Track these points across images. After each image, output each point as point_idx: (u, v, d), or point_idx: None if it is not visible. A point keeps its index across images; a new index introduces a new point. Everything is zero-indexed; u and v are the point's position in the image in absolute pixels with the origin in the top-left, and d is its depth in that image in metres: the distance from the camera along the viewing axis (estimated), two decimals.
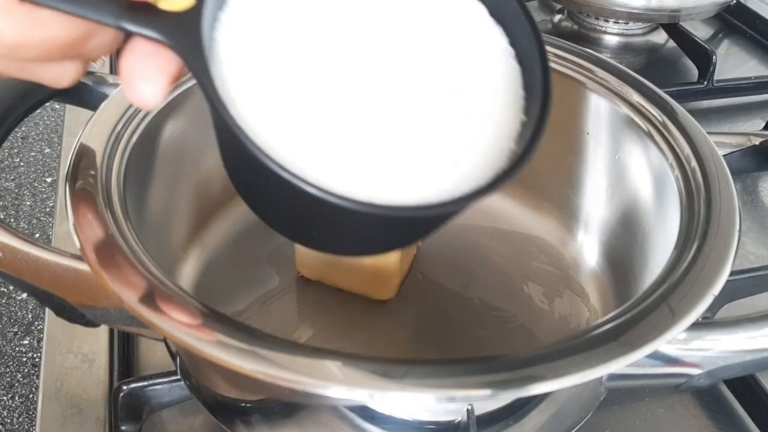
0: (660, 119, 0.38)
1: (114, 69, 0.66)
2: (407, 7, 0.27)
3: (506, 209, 0.46)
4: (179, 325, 0.26)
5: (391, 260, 0.38)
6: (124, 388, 0.35)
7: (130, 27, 0.23)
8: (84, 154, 0.34)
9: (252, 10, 0.25)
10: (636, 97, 0.40)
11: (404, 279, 0.41)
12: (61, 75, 0.25)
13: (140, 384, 0.35)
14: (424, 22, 0.27)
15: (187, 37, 0.23)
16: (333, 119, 0.24)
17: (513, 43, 0.27)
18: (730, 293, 0.40)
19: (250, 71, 0.24)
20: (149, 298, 0.27)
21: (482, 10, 0.27)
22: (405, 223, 0.25)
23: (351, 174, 0.23)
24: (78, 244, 0.29)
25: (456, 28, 0.27)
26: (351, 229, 0.26)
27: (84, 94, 0.43)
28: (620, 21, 0.72)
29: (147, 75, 0.23)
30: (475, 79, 0.26)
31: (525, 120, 0.26)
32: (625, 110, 0.40)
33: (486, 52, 0.27)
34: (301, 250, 0.41)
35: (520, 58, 0.27)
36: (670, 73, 0.69)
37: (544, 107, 0.25)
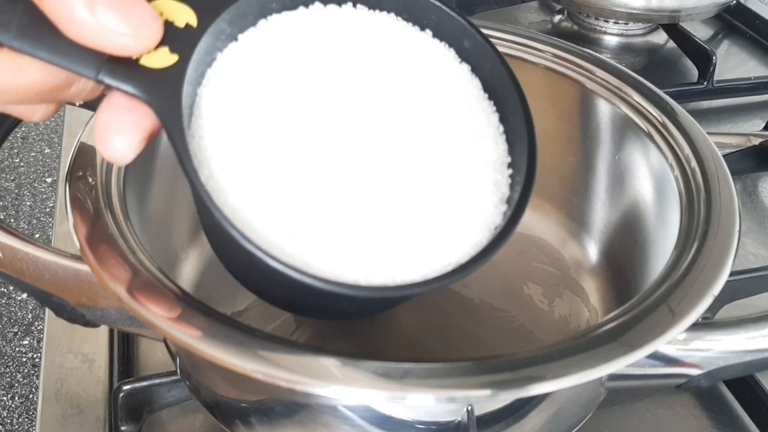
0: (660, 120, 0.38)
1: None
2: (399, 76, 0.26)
3: None
4: (179, 326, 0.26)
5: None
6: (124, 388, 0.35)
7: (109, 81, 0.22)
8: (84, 154, 0.34)
9: (241, 70, 0.25)
10: (636, 98, 0.40)
11: None
12: (34, 112, 0.24)
13: (140, 384, 0.35)
14: (416, 94, 0.26)
15: (165, 94, 0.22)
16: (310, 191, 0.23)
17: (503, 119, 0.27)
18: (730, 293, 0.40)
19: (230, 132, 0.23)
20: (149, 299, 0.27)
21: (476, 84, 0.27)
22: (366, 300, 0.25)
23: (321, 248, 0.23)
24: (78, 245, 0.29)
25: (448, 101, 0.26)
26: (321, 301, 0.26)
27: None
28: (620, 21, 0.72)
29: (121, 130, 0.22)
30: (463, 156, 0.25)
31: (508, 197, 0.26)
32: (625, 110, 0.40)
33: (476, 128, 0.26)
34: None
35: (509, 134, 0.26)
36: (670, 74, 0.69)
37: (525, 192, 0.25)
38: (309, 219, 0.23)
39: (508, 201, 0.25)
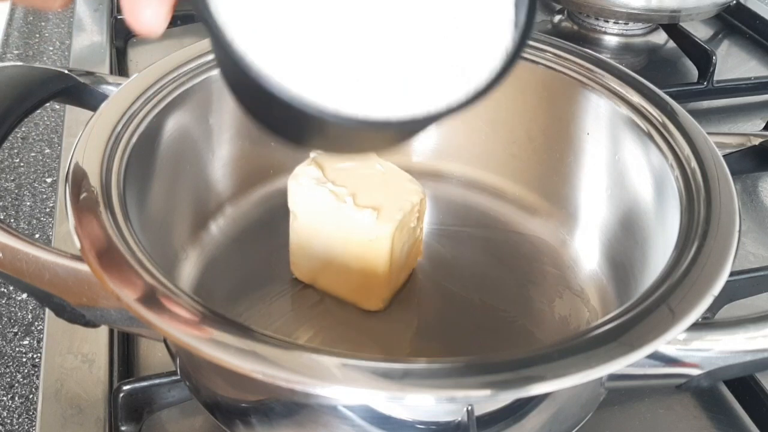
0: (660, 120, 0.38)
1: (114, 70, 0.66)
2: None
3: (506, 209, 0.46)
4: (179, 326, 0.26)
5: (380, 272, 0.38)
6: (124, 388, 0.35)
7: None
8: (84, 155, 0.34)
9: None
10: (636, 98, 0.40)
11: (399, 291, 0.41)
12: (54, 0, 0.26)
13: (140, 384, 0.35)
14: None
15: None
16: (320, 28, 0.24)
17: None
18: (730, 293, 0.40)
19: None
20: (149, 299, 0.27)
21: None
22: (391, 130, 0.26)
23: (348, 85, 0.23)
24: (78, 245, 0.29)
25: None
26: (354, 135, 0.26)
27: (84, 94, 0.43)
28: (620, 21, 0.72)
29: (149, 1, 0.24)
30: None
31: (515, 21, 0.26)
32: (625, 110, 0.40)
33: None
34: (295, 252, 0.41)
35: None
36: (670, 74, 0.69)
37: (531, 12, 0.25)
38: (332, 54, 0.23)
39: (516, 24, 0.26)
